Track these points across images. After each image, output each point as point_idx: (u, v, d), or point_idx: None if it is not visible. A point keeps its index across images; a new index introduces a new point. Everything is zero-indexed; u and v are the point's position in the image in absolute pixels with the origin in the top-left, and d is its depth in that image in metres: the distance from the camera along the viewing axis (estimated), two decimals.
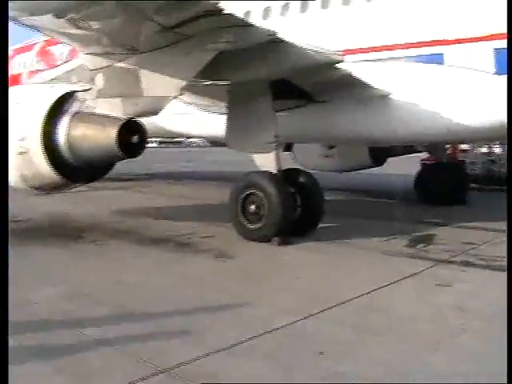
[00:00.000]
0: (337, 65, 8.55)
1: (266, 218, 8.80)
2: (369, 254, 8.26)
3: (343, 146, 15.11)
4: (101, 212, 12.19)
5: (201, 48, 7.76)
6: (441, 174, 13.99)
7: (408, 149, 16.05)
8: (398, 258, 7.96)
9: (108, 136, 8.59)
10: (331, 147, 15.40)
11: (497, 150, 18.49)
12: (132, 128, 8.71)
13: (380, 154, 15.52)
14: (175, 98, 8.44)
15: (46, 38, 15.21)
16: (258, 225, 8.90)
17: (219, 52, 7.83)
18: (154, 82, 8.37)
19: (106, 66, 8.95)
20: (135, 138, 8.71)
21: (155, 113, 8.66)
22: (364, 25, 9.60)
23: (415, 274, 7.01)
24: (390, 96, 9.26)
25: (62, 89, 9.48)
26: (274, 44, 7.92)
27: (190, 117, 12.42)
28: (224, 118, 9.94)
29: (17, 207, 11.97)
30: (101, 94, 9.08)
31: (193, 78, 8.11)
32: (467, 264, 7.54)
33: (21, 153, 9.16)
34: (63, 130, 9.00)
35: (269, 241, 8.75)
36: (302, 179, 9.49)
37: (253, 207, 8.99)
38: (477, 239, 9.24)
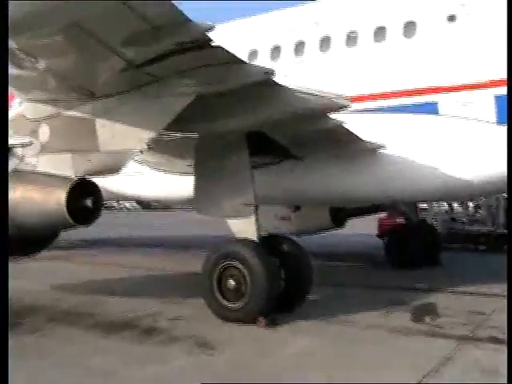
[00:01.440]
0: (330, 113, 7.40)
1: (250, 296, 7.32)
2: (376, 334, 6.95)
3: (302, 207, 14.00)
4: (40, 288, 10.15)
5: (176, 91, 6.42)
6: (413, 234, 13.12)
7: (372, 208, 15.17)
8: (413, 337, 6.76)
9: (55, 199, 7.01)
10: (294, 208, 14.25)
11: (456, 207, 18.11)
12: (84, 189, 7.15)
13: (341, 214, 14.50)
14: (140, 153, 6.98)
15: None
16: (240, 303, 7.40)
17: (196, 97, 6.53)
18: (114, 134, 6.93)
19: (52, 116, 7.43)
20: (89, 202, 7.13)
21: (113, 171, 7.14)
22: (347, 72, 8.71)
23: (448, 358, 5.80)
24: (380, 150, 8.26)
25: None
26: (269, 85, 6.66)
27: (141, 177, 10.94)
28: (184, 178, 8.57)
29: None
30: (44, 149, 7.52)
31: (162, 128, 6.72)
32: (496, 341, 6.43)
33: None
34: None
35: (253, 322, 7.25)
36: (286, 247, 8.14)
37: (232, 282, 7.49)
38: (481, 307, 8.33)
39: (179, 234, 23.80)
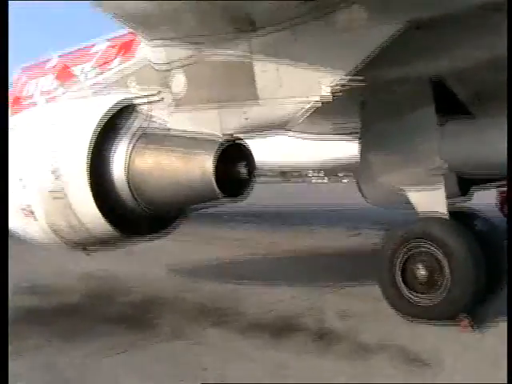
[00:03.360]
0: None
1: (449, 288, 5.65)
2: None
3: None
4: (156, 272, 8.76)
5: (378, 18, 4.65)
6: None
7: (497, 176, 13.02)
8: None
9: (199, 166, 5.45)
10: None
11: None
12: (234, 154, 5.58)
13: (466, 181, 12.40)
14: (319, 104, 5.27)
15: (60, 53, 11.86)
16: (433, 298, 5.74)
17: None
18: (281, 80, 5.25)
19: (190, 60, 5.81)
20: (243, 169, 5.56)
21: (277, 128, 5.54)
22: None
23: None
24: None
25: (112, 99, 6.30)
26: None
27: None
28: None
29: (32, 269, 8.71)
30: (179, 104, 5.94)
31: (352, 71, 4.97)
32: None
33: (54, 195, 5.96)
34: (120, 160, 5.83)
35: (451, 321, 5.60)
36: (479, 226, 6.41)
37: (423, 271, 5.83)
38: None
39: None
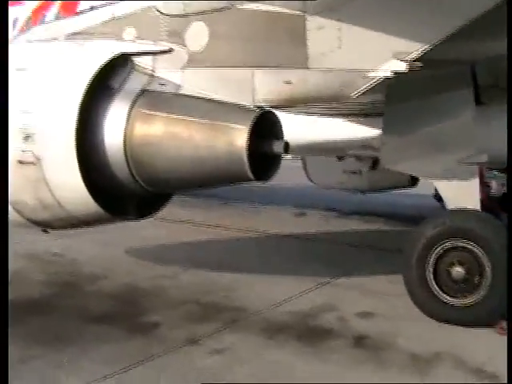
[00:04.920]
0: None
1: (489, 289, 5.18)
2: None
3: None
4: (113, 253, 7.53)
5: None
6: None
7: None
8: None
9: (227, 141, 4.41)
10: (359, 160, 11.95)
11: None
12: (264, 127, 4.62)
13: None
14: (384, 81, 4.43)
15: None
16: (470, 299, 5.25)
17: None
18: (342, 42, 4.38)
19: (215, 8, 4.76)
20: (279, 146, 4.61)
21: (329, 100, 4.67)
22: None
23: None
24: None
25: (104, 48, 5.03)
26: None
27: None
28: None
29: None
30: (198, 61, 4.87)
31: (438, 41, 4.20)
32: None
33: (22, 162, 4.63)
34: (116, 125, 4.62)
35: (489, 325, 5.17)
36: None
37: (460, 270, 5.31)
38: None
39: None
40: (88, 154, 4.55)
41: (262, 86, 4.68)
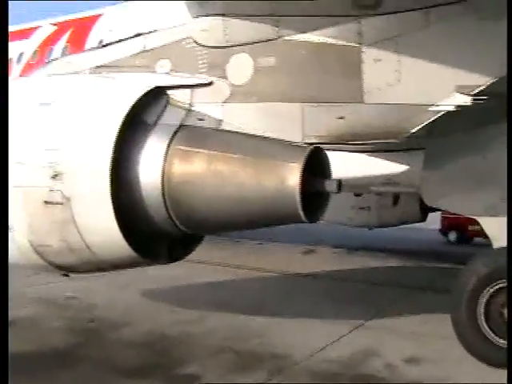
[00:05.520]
0: None
1: None
2: None
3: (386, 196, 11.53)
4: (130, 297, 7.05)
5: None
6: None
7: None
8: None
9: (277, 180, 4.10)
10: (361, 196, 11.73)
11: None
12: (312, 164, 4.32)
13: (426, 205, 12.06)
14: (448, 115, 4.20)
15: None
16: None
17: None
18: (401, 75, 4.18)
19: (262, 40, 4.53)
20: (330, 184, 4.30)
21: (385, 137, 4.41)
22: None
23: None
24: None
25: (137, 82, 4.75)
26: None
27: None
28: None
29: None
30: (241, 95, 4.60)
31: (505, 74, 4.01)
32: None
33: (48, 202, 4.24)
34: (153, 162, 4.29)
35: None
36: None
37: None
38: None
39: None
40: (122, 194, 4.21)
41: (313, 122, 4.44)
